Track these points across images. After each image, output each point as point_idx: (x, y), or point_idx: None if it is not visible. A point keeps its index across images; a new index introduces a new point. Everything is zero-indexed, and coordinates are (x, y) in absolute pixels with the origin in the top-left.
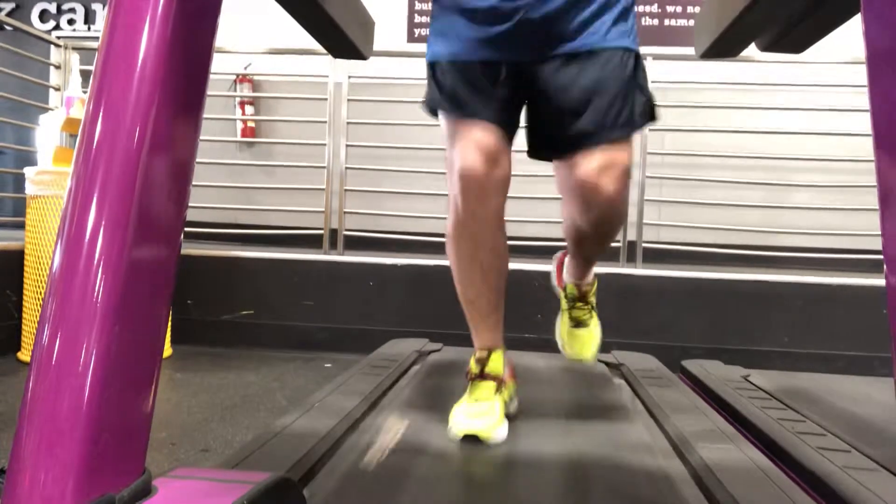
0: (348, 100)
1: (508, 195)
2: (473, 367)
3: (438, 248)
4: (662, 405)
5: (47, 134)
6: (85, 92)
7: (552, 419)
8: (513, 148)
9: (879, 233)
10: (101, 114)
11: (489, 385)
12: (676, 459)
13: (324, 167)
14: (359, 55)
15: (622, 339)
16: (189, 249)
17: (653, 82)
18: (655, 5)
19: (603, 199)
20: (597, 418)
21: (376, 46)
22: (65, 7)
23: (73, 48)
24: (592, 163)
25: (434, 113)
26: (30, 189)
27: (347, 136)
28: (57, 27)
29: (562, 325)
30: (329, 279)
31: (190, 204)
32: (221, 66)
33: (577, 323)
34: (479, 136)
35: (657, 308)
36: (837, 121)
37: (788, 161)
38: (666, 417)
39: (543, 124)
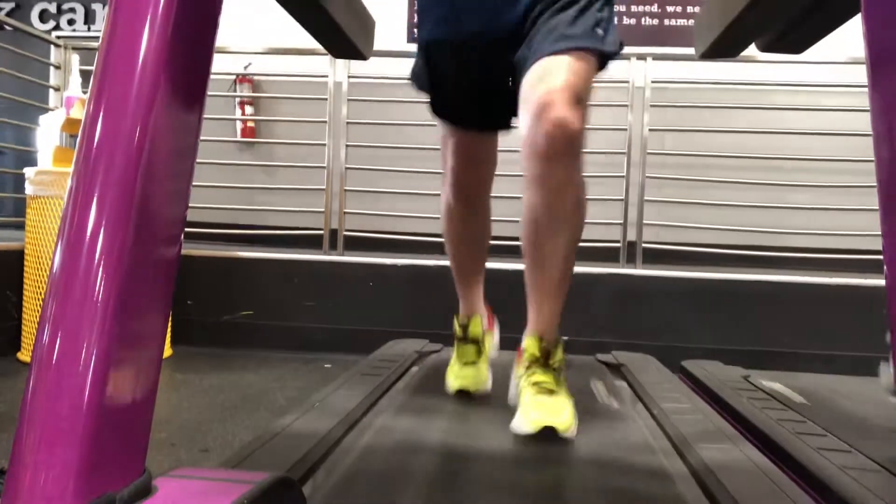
0: (348, 100)
1: (508, 195)
2: (458, 329)
3: (438, 248)
4: (662, 405)
5: (47, 134)
6: (85, 92)
7: None
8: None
9: (879, 233)
10: (101, 114)
11: (471, 349)
12: (676, 459)
13: (324, 167)
14: (359, 55)
15: (622, 339)
16: (189, 249)
17: (653, 82)
18: (655, 5)
19: (551, 113)
20: (596, 418)
21: (376, 46)
22: (65, 7)
23: (73, 48)
24: (538, 69)
25: None
26: (30, 189)
27: (347, 136)
28: (57, 27)
29: (519, 391)
30: (329, 279)
31: (190, 204)
32: (221, 66)
33: (542, 390)
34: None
35: (657, 308)
36: (837, 121)
37: (788, 161)
38: (665, 417)
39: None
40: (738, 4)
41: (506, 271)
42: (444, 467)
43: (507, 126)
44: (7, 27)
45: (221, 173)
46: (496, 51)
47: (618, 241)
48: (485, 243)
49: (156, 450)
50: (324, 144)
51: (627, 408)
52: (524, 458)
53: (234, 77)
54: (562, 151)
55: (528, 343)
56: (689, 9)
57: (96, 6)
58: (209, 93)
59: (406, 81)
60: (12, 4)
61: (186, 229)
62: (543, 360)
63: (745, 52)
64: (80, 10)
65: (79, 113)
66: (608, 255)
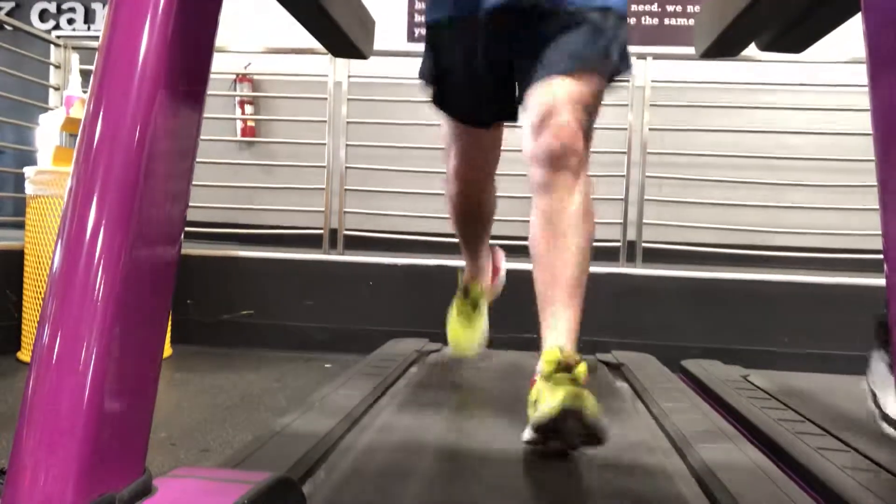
0: (348, 99)
1: (511, 195)
2: (460, 286)
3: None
4: (662, 405)
5: (47, 134)
6: (85, 92)
7: None
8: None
9: (879, 233)
10: (101, 114)
11: (469, 307)
12: (676, 459)
13: (324, 167)
14: (359, 54)
15: (622, 338)
16: (189, 249)
17: (653, 82)
18: (655, 5)
19: (552, 125)
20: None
21: (376, 46)
22: (65, 6)
23: (73, 48)
24: (544, 87)
25: None
26: (29, 189)
27: (347, 136)
28: (57, 27)
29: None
30: (329, 279)
31: (190, 203)
32: (221, 65)
33: (564, 380)
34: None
35: (657, 308)
36: (837, 121)
37: (788, 161)
38: (665, 417)
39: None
40: (738, 4)
41: (506, 271)
42: (444, 467)
43: (508, 118)
44: (7, 27)
45: (221, 173)
46: (502, 29)
47: (618, 241)
48: (490, 220)
49: (156, 450)
50: (324, 144)
51: (627, 407)
52: (524, 457)
53: (234, 76)
54: (565, 164)
55: (549, 355)
56: (689, 8)
57: (96, 6)
58: (209, 92)
59: (406, 81)
60: (12, 4)
61: (186, 229)
62: (566, 369)
63: (745, 52)
64: (80, 9)
65: (79, 112)
66: (608, 255)
